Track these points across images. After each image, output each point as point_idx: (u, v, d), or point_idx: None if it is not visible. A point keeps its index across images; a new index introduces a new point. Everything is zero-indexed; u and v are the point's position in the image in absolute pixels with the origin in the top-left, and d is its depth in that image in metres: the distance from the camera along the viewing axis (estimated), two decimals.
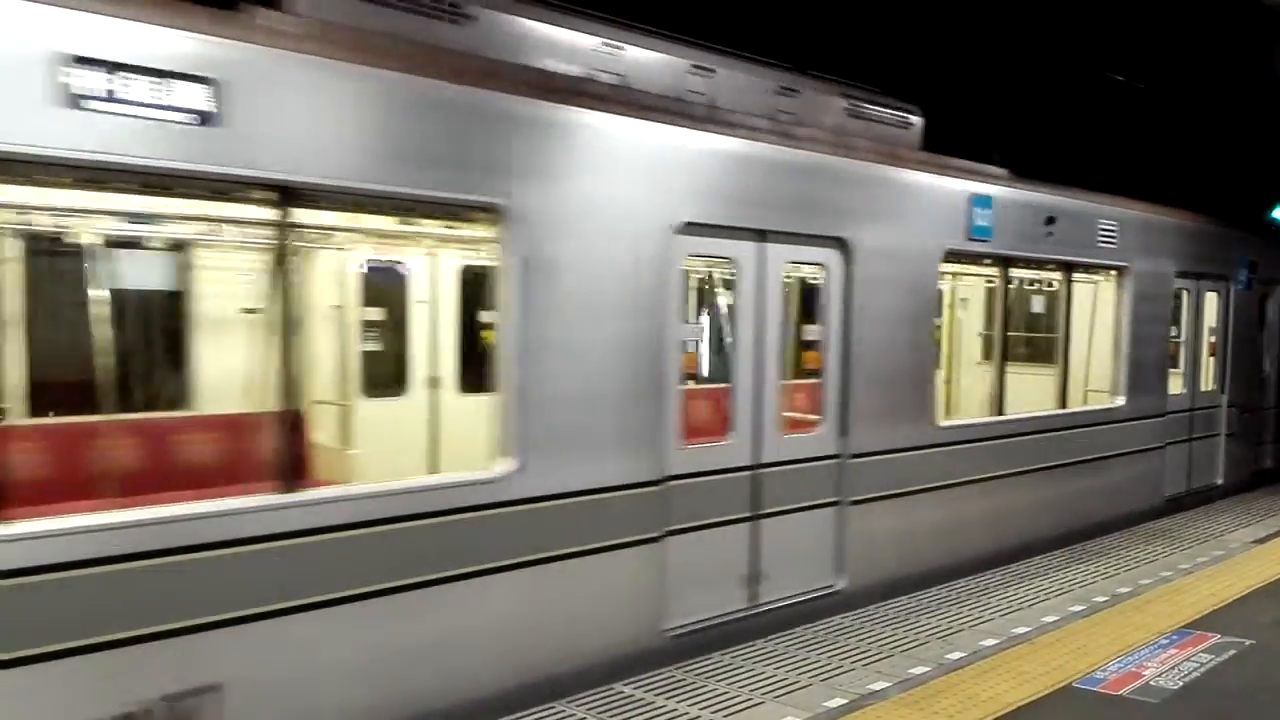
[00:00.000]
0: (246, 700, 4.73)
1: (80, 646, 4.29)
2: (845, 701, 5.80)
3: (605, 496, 6.14)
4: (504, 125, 5.67)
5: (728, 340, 7.54)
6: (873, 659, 6.58)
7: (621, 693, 5.96)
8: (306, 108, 4.92)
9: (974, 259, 9.54)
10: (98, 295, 5.68)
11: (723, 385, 7.55)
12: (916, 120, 9.17)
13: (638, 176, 6.31)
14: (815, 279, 7.97)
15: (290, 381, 5.05)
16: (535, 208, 5.75)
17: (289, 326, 5.02)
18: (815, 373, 7.86)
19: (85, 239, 5.68)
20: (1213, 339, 13.00)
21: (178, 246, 6.62)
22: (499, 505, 5.64)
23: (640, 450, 6.33)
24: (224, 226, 6.01)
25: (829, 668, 6.40)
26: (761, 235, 7.14)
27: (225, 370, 6.66)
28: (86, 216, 5.51)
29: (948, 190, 8.68)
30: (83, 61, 4.22)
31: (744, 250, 7.09)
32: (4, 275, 5.55)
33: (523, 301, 5.74)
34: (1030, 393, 10.14)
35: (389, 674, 5.24)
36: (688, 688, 6.05)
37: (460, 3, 5.98)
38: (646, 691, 5.98)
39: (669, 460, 6.52)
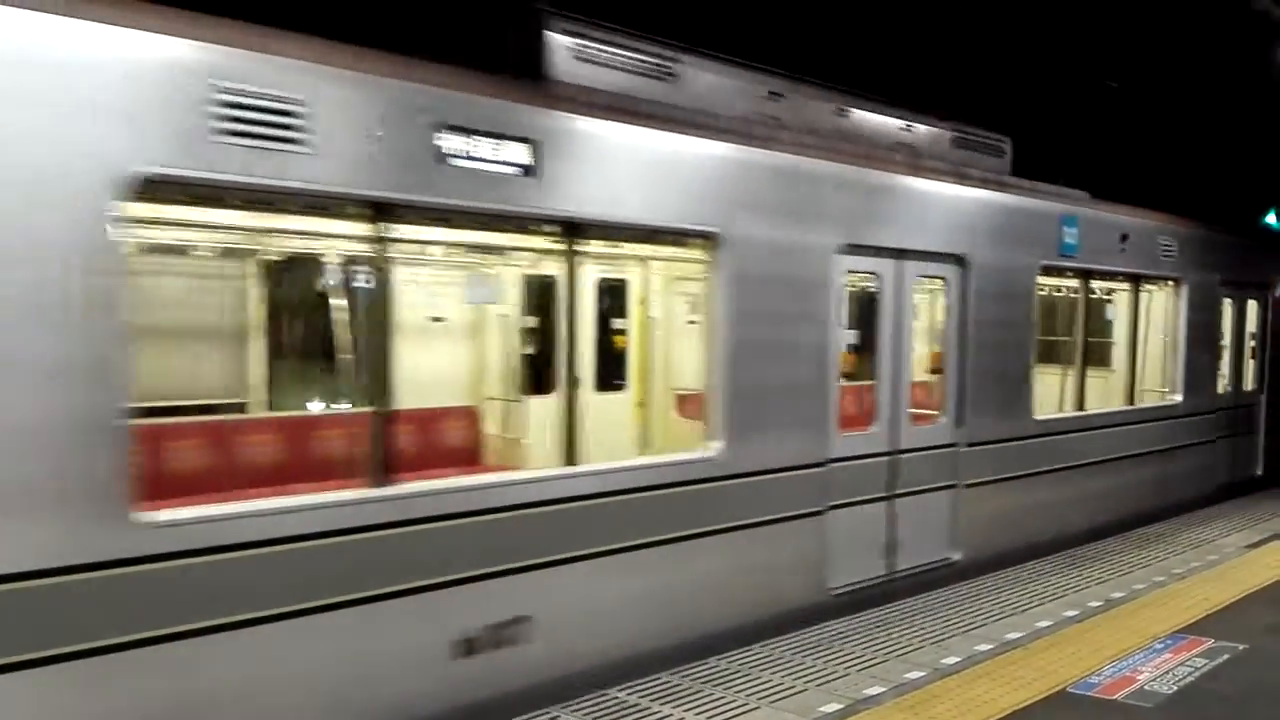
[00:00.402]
0: (548, 628, 5.96)
1: (436, 584, 5.47)
2: (840, 706, 5.81)
3: (786, 475, 7.34)
4: (718, 167, 6.93)
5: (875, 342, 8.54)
6: (868, 664, 6.58)
7: (616, 698, 5.95)
8: (592, 158, 6.22)
9: (1062, 272, 10.59)
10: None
11: (868, 383, 8.49)
12: (1007, 147, 10.17)
13: (811, 205, 7.53)
14: (938, 291, 9.17)
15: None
16: (740, 234, 6.98)
17: (572, 330, 6.52)
18: (937, 371, 9.27)
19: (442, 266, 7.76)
20: (1253, 343, 14.18)
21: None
22: (711, 480, 6.89)
23: (812, 436, 7.53)
24: (523, 253, 7.65)
25: (824, 673, 6.40)
26: (900, 254, 8.29)
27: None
28: (446, 248, 7.34)
29: (1042, 211, 9.88)
30: (451, 129, 5.43)
31: (886, 267, 8.24)
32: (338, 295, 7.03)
33: (728, 311, 6.94)
34: (1102, 390, 11.52)
35: (642, 612, 6.53)
36: (684, 693, 6.05)
37: (668, 65, 7.27)
38: (642, 697, 5.98)
39: (831, 446, 7.68)
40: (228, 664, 4.75)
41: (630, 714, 5.74)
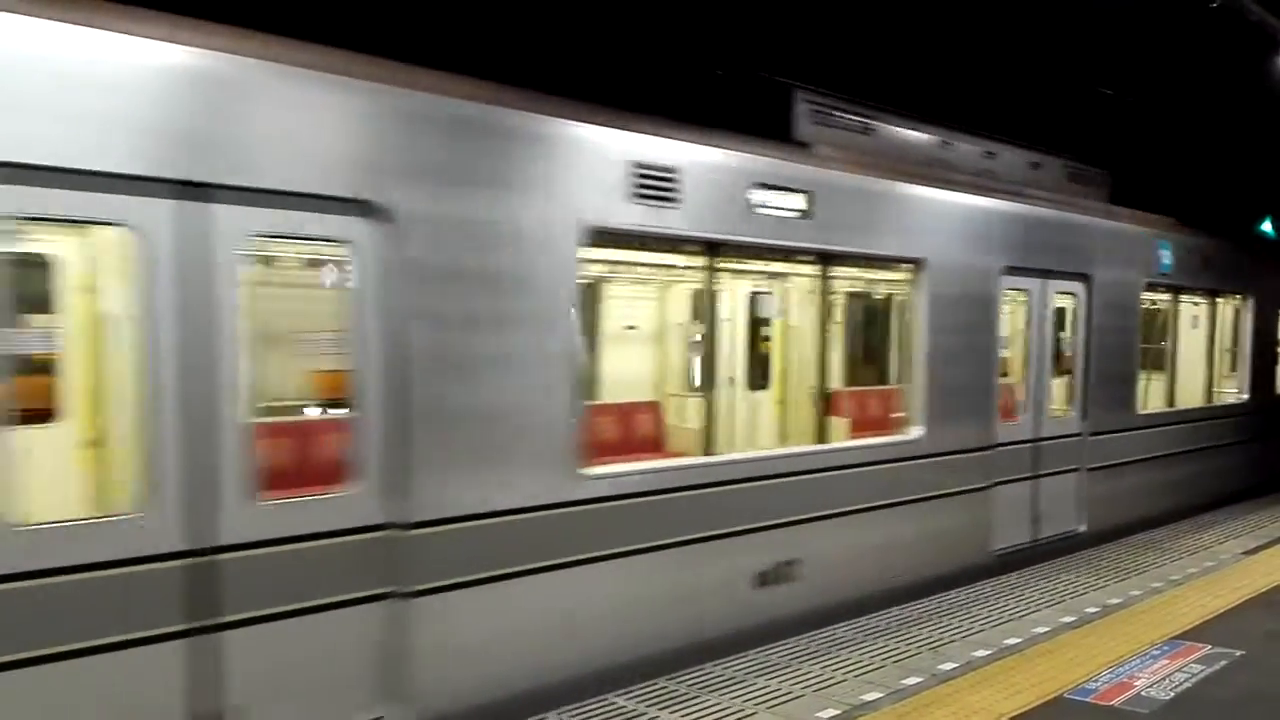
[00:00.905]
0: (813, 568, 7.68)
1: (742, 530, 7.17)
2: (838, 713, 5.81)
3: (966, 456, 9.00)
4: (921, 204, 8.63)
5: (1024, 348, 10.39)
6: (865, 670, 6.58)
7: (614, 704, 5.95)
8: (845, 203, 7.96)
9: (1158, 288, 12.22)
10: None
11: (1016, 381, 10.27)
12: (1107, 179, 11.79)
13: (984, 235, 9.12)
14: (1070, 304, 10.99)
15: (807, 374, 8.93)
16: (937, 261, 8.61)
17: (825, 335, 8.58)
18: (1067, 372, 10.81)
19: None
20: None
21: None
22: (913, 458, 8.59)
23: (982, 424, 9.14)
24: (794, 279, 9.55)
25: (822, 678, 6.41)
26: (1045, 274, 9.95)
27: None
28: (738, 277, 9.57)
29: (1143, 236, 11.63)
30: (759, 185, 7.25)
31: (1034, 284, 9.92)
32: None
33: (928, 322, 8.65)
34: (1182, 389, 13.11)
35: (870, 561, 8.22)
36: (681, 698, 6.05)
37: (863, 120, 8.82)
38: (640, 703, 5.98)
39: (994, 432, 9.32)
40: (620, 583, 6.41)
41: None
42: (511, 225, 5.78)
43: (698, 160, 6.87)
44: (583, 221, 6.13)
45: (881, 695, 6.08)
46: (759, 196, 7.26)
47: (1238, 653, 6.83)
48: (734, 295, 9.96)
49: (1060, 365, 10.87)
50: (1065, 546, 10.30)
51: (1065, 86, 13.30)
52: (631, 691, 6.14)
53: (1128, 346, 11.34)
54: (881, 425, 9.41)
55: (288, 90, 4.98)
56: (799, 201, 7.55)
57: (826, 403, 8.69)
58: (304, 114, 5.01)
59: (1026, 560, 9.72)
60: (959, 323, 8.95)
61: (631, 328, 10.06)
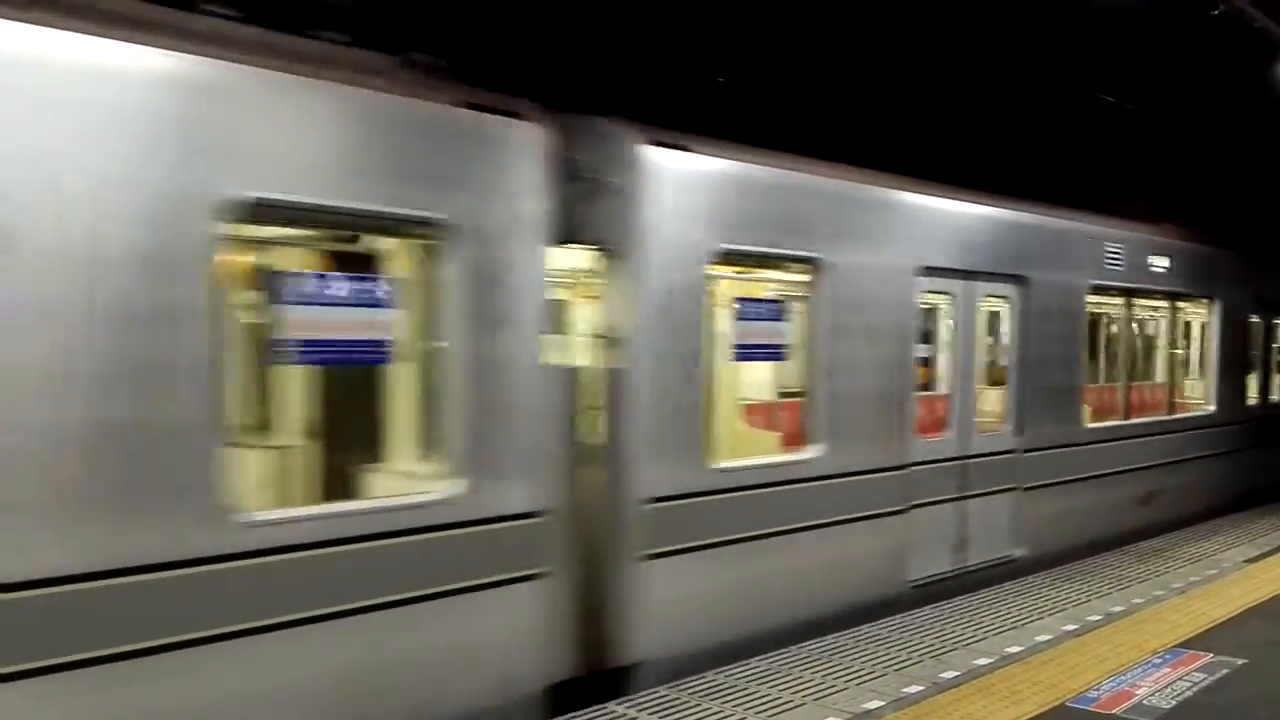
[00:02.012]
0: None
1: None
2: None
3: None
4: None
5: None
6: (866, 678, 6.56)
7: (615, 712, 5.94)
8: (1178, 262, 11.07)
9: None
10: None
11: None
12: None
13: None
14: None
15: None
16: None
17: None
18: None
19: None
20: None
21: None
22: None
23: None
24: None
25: (822, 686, 6.39)
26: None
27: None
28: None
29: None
30: (1153, 253, 10.82)
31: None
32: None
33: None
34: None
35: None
36: (679, 707, 6.03)
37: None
38: (640, 711, 5.96)
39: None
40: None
41: None
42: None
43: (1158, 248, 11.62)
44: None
45: (883, 703, 6.06)
46: (1152, 260, 11.16)
47: (1239, 661, 6.81)
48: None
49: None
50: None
51: (1065, 94, 13.30)
52: (630, 700, 6.13)
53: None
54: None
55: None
56: (1165, 262, 11.00)
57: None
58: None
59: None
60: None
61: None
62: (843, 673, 6.67)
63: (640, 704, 6.07)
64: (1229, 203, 15.54)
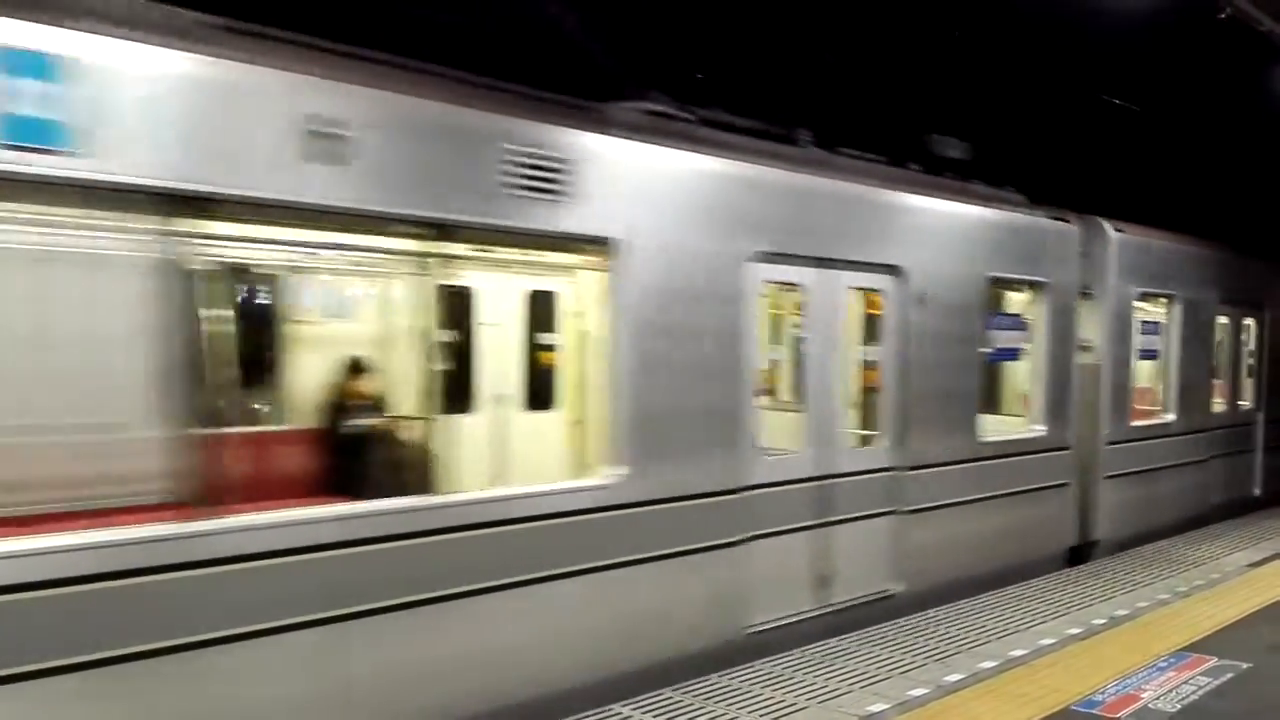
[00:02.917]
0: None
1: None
2: None
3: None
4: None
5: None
6: (870, 681, 6.56)
7: (620, 713, 5.94)
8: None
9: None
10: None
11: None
12: None
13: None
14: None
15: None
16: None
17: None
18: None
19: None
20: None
21: None
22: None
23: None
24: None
25: (826, 690, 6.39)
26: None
27: None
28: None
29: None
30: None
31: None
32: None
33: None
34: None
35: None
36: (684, 708, 6.04)
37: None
38: (644, 713, 5.97)
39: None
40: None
41: None
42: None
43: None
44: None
45: (887, 706, 6.06)
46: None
47: (1244, 665, 6.81)
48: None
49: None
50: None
51: (1073, 97, 13.31)
52: (637, 702, 6.13)
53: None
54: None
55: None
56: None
57: None
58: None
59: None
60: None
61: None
62: (846, 675, 6.67)
63: (643, 705, 6.07)
64: (1225, 203, 15.56)
